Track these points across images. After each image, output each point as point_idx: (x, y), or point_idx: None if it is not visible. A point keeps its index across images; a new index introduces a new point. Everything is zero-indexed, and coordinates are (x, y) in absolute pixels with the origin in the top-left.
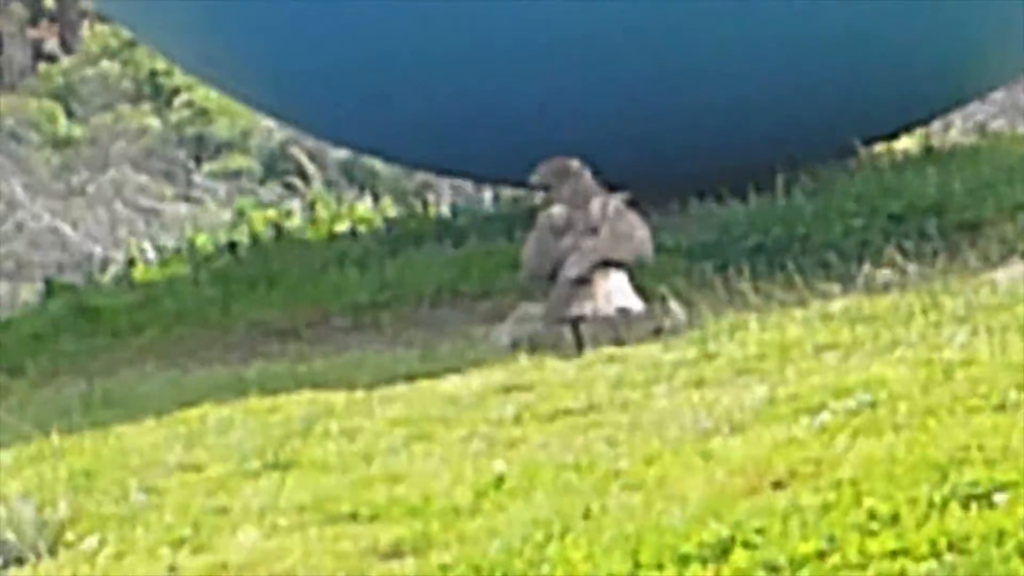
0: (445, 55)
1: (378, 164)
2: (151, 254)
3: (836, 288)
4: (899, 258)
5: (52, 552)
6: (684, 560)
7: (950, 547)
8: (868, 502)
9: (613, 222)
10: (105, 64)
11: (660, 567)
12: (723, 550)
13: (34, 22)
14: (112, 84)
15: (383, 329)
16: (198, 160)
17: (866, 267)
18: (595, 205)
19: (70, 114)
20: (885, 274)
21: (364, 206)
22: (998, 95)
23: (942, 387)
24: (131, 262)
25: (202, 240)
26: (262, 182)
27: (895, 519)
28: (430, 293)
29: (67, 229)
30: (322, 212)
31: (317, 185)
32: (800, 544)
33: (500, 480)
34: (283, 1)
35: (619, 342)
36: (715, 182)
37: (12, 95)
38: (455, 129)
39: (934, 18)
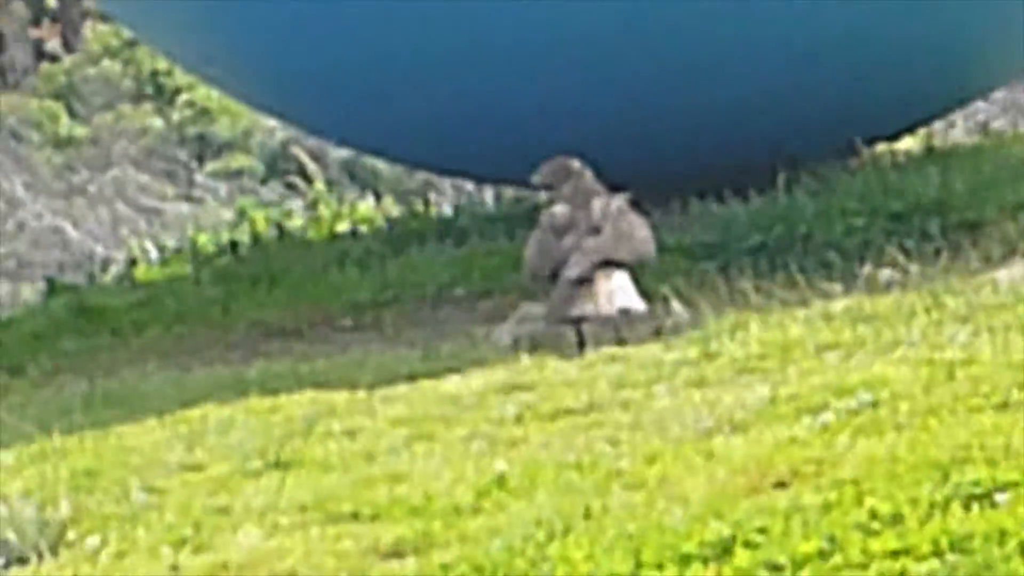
0: (446, 55)
1: (380, 164)
2: (153, 254)
3: (838, 287)
4: (900, 257)
5: (54, 551)
6: (685, 560)
7: (952, 547)
8: (870, 502)
9: (615, 222)
10: (107, 64)
11: (661, 567)
12: (724, 549)
13: (36, 22)
14: (114, 84)
15: (384, 329)
16: (200, 160)
17: (868, 266)
18: (597, 205)
19: (72, 113)
20: (887, 273)
21: (366, 206)
22: (1000, 95)
23: (944, 386)
24: (132, 262)
25: (203, 240)
26: (264, 182)
27: (897, 519)
28: (432, 293)
29: (69, 228)
30: (323, 212)
31: (319, 185)
32: (801, 543)
33: (501, 479)
34: (284, 1)
35: (621, 342)
36: (717, 182)
37: (14, 94)
38: (456, 129)
39: (936, 18)
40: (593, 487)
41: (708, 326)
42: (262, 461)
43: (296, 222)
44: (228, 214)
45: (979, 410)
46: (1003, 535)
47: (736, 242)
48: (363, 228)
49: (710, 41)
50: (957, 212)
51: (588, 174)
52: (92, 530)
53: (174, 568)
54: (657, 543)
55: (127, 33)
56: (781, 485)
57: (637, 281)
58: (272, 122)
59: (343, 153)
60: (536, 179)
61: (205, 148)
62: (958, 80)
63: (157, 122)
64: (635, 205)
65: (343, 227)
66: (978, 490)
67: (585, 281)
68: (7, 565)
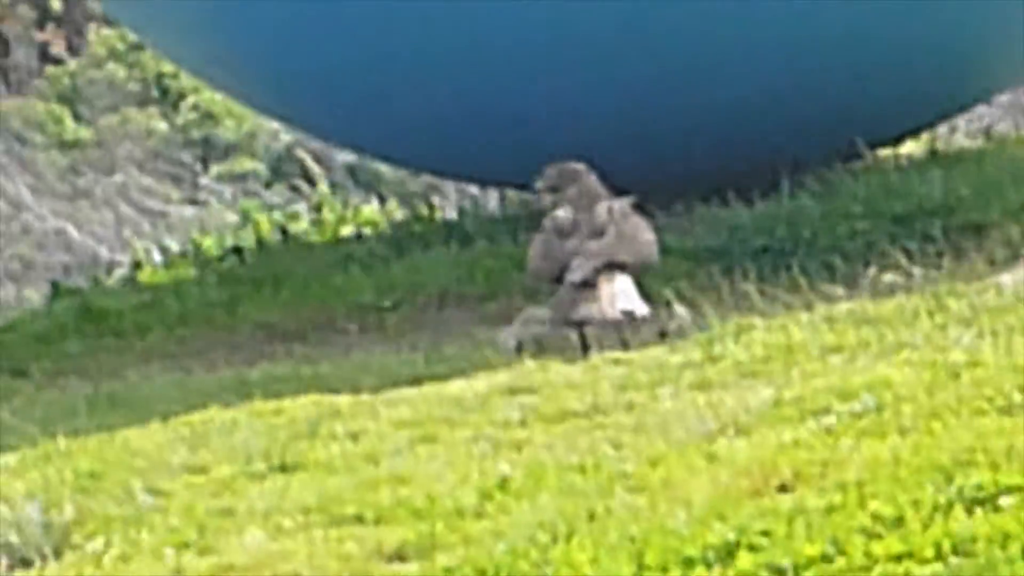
0: (448, 58)
1: (383, 167)
2: (157, 256)
3: (841, 290)
4: (904, 260)
5: (58, 554)
6: (689, 563)
7: (955, 550)
8: (873, 504)
9: (619, 225)
10: (112, 67)
11: (665, 569)
12: (728, 552)
13: (41, 25)
14: (118, 87)
15: (388, 331)
16: (204, 163)
17: (871, 269)
18: (601, 208)
19: (77, 116)
20: (890, 277)
21: (370, 209)
22: (1003, 98)
23: (947, 389)
24: (137, 264)
25: (208, 242)
26: (268, 185)
27: (900, 522)
28: (436, 295)
29: (73, 231)
30: (328, 215)
31: (323, 188)
32: (805, 546)
33: (505, 482)
34: (287, 4)
35: (624, 344)
36: (721, 185)
37: (19, 97)
38: (459, 131)
39: (939, 21)
40: (596, 490)
41: (712, 329)
42: (266, 463)
43: (300, 225)
44: (232, 217)
45: (983, 413)
46: (1006, 538)
47: (740, 245)
48: (367, 231)
49: (713, 43)
50: (961, 215)
51: (592, 177)
52: (96, 532)
53: (178, 570)
54: (660, 546)
55: (132, 36)
56: (784, 488)
57: (640, 284)
58: (276, 125)
59: (348, 156)
60: (540, 182)
61: (210, 151)
62: (961, 83)
63: (162, 125)
64: (639, 208)
65: (347, 230)
66: (981, 493)
67: (588, 284)
68: (11, 567)
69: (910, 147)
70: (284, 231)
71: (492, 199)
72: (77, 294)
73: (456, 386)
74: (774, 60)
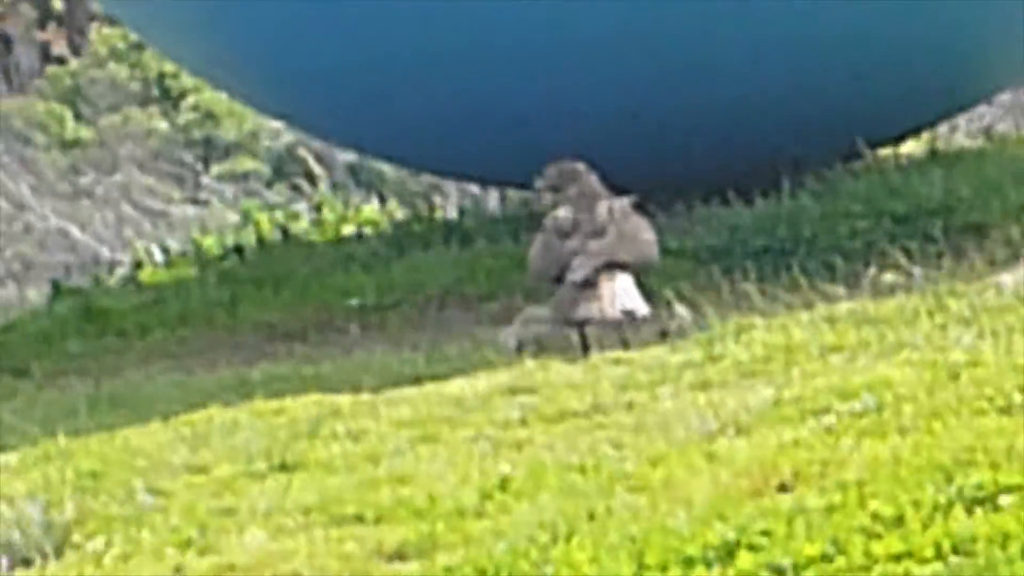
0: (448, 58)
1: (385, 167)
2: (158, 256)
3: (842, 290)
4: (904, 260)
5: (58, 553)
6: (689, 562)
7: (955, 550)
8: (873, 504)
9: (619, 224)
10: (113, 67)
11: (665, 569)
12: (728, 552)
13: (42, 25)
14: (120, 86)
15: (389, 331)
16: (206, 162)
17: (871, 269)
18: (601, 207)
19: (78, 116)
20: (890, 276)
21: (370, 208)
22: (1004, 97)
23: (947, 389)
24: (138, 264)
25: (209, 242)
26: (269, 184)
27: (900, 521)
28: (436, 295)
29: (74, 231)
30: (328, 214)
31: (324, 187)
32: (805, 546)
33: (505, 482)
34: (288, 4)
35: (624, 344)
36: (721, 185)
37: (20, 97)
38: (460, 132)
39: (939, 21)
40: (597, 489)
41: (712, 329)
42: (267, 463)
43: (301, 225)
44: (234, 216)
45: (983, 413)
46: (1006, 538)
47: (740, 245)
48: (368, 231)
49: (713, 43)
50: (961, 215)
51: (592, 177)
52: (97, 532)
53: (178, 570)
54: (661, 545)
55: (133, 36)
56: (784, 487)
57: (640, 284)
58: (277, 125)
59: (349, 156)
60: (540, 182)
61: (211, 151)
62: (962, 83)
63: (163, 125)
64: (639, 208)
65: (348, 230)
66: (981, 493)
67: (589, 284)
68: (12, 567)
69: (910, 147)
70: (284, 231)
71: (493, 199)
72: (78, 294)
73: (457, 386)
74: (774, 60)
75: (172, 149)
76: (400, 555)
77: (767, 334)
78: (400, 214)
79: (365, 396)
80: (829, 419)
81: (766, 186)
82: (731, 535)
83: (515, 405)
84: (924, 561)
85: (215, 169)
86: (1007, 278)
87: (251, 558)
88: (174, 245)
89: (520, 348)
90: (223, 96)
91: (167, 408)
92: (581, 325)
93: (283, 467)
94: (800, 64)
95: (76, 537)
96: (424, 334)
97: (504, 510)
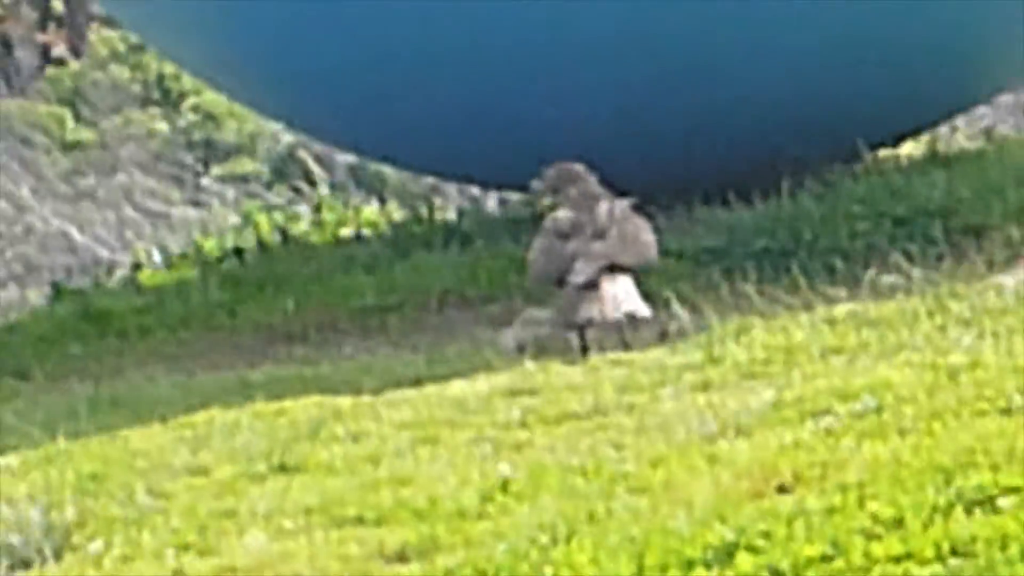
0: (450, 60)
1: (385, 168)
2: (158, 257)
3: (842, 292)
4: (904, 262)
5: (58, 555)
6: (689, 564)
7: (954, 551)
8: (873, 506)
9: (620, 226)
10: (113, 68)
11: (665, 570)
12: (728, 554)
13: (43, 26)
14: (120, 88)
15: (390, 332)
16: (206, 164)
17: (872, 271)
18: (602, 209)
19: (78, 118)
20: (891, 278)
21: (371, 210)
22: (1004, 99)
23: (948, 391)
24: (138, 265)
25: (209, 244)
26: (270, 186)
27: (900, 523)
28: (437, 297)
29: (75, 233)
30: (328, 216)
31: (324, 189)
32: (805, 548)
33: (506, 483)
34: (289, 5)
35: (625, 346)
36: (721, 186)
37: (21, 99)
38: (461, 134)
39: (939, 22)
40: (597, 491)
41: (712, 330)
42: (267, 465)
43: (302, 226)
44: (234, 218)
45: (983, 414)
46: (1006, 539)
47: (740, 246)
48: (368, 232)
49: (713, 45)
50: (961, 216)
51: (592, 178)
52: (97, 533)
53: (179, 572)
54: (661, 547)
55: (133, 38)
56: (785, 489)
57: (640, 285)
58: (278, 127)
59: (349, 158)
60: (539, 184)
61: (211, 152)
62: (962, 84)
63: (163, 126)
64: (639, 209)
65: (348, 231)
66: (981, 494)
67: (591, 286)
68: (12, 568)
69: (911, 148)
70: (285, 233)
71: (492, 200)
72: (79, 295)
73: (457, 387)
74: (774, 61)
75: (172, 151)
76: (401, 556)
77: (767, 335)
78: (400, 216)
79: (366, 398)
80: (829, 420)
81: (766, 187)
82: (731, 536)
83: (515, 407)
84: (924, 562)
85: (215, 171)
86: (1007, 279)
87: (252, 560)
88: (174, 247)
89: (520, 350)
90: (223, 98)
91: (168, 410)
92: (583, 327)
93: (284, 469)
94: (800, 65)
95: (76, 539)
96: (424, 336)
97: (505, 512)
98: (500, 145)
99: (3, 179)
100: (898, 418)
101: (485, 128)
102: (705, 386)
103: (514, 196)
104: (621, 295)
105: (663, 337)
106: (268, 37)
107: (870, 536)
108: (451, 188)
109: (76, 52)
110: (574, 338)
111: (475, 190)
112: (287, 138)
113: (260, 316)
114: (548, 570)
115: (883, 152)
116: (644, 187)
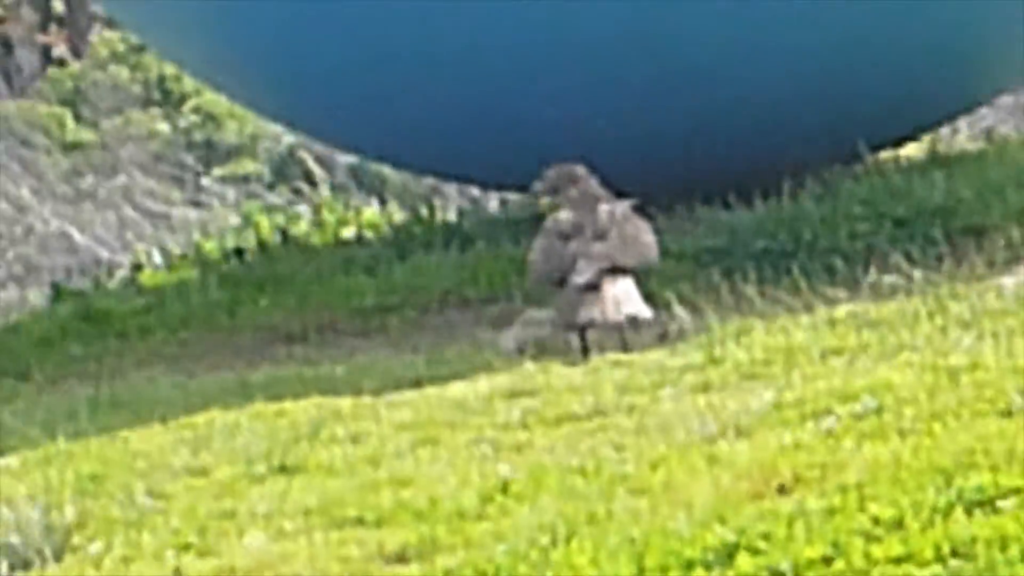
0: (450, 61)
1: (385, 169)
2: (158, 258)
3: (842, 293)
4: (905, 263)
5: (58, 556)
6: (689, 565)
7: (955, 552)
8: (873, 507)
9: (620, 227)
10: (114, 69)
11: (665, 571)
12: (728, 555)
13: (43, 27)
14: (121, 89)
15: (390, 333)
16: (207, 165)
17: (872, 272)
18: (603, 210)
19: (79, 119)
20: (891, 279)
21: (371, 211)
22: (1005, 100)
23: (948, 392)
24: (138, 266)
25: (210, 245)
26: (270, 187)
27: (900, 524)
28: (437, 298)
29: (75, 233)
30: (328, 217)
31: (325, 190)
32: (805, 549)
33: (506, 484)
34: (289, 5)
35: (625, 347)
36: (722, 187)
37: (21, 100)
38: (461, 135)
39: (940, 22)
40: (597, 492)
41: (713, 331)
42: (267, 466)
43: (302, 227)
44: (234, 219)
45: (983, 415)
46: (1006, 540)
47: (741, 248)
48: (368, 233)
49: (714, 46)
50: (962, 218)
51: (592, 179)
52: (97, 534)
53: (178, 573)
54: (661, 548)
55: (134, 38)
56: (785, 490)
57: (641, 286)
58: (278, 128)
59: (350, 158)
60: (539, 185)
61: (212, 153)
62: (963, 85)
63: (164, 127)
64: (639, 210)
65: (349, 232)
66: (981, 496)
67: (592, 287)
68: (12, 569)
69: (911, 149)
70: (285, 233)
71: (493, 201)
72: (79, 296)
73: (457, 388)
74: (775, 62)
75: (173, 151)
76: (401, 557)
77: (767, 336)
78: (401, 217)
79: (366, 399)
80: (829, 422)
81: (767, 188)
82: (731, 537)
83: (516, 408)
84: (924, 564)
85: (216, 171)
86: (1008, 280)
87: (251, 561)
88: (175, 247)
89: (521, 351)
90: (224, 99)
91: (168, 410)
92: (583, 328)
93: (283, 469)
94: (800, 66)
95: (76, 540)
96: (424, 337)
97: (505, 512)
98: (500, 145)
99: (3, 179)
100: (898, 419)
101: (485, 128)
102: (705, 387)
103: (515, 197)
104: (622, 296)
105: (663, 338)
106: (268, 37)
107: (870, 537)
108: (451, 189)
109: (77, 53)
110: (574, 339)
111: (475, 191)
112: (287, 139)
113: (260, 316)
114: (548, 571)
115: (884, 153)
116: (644, 188)
